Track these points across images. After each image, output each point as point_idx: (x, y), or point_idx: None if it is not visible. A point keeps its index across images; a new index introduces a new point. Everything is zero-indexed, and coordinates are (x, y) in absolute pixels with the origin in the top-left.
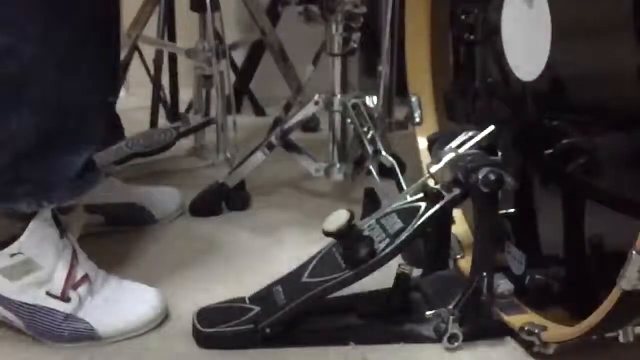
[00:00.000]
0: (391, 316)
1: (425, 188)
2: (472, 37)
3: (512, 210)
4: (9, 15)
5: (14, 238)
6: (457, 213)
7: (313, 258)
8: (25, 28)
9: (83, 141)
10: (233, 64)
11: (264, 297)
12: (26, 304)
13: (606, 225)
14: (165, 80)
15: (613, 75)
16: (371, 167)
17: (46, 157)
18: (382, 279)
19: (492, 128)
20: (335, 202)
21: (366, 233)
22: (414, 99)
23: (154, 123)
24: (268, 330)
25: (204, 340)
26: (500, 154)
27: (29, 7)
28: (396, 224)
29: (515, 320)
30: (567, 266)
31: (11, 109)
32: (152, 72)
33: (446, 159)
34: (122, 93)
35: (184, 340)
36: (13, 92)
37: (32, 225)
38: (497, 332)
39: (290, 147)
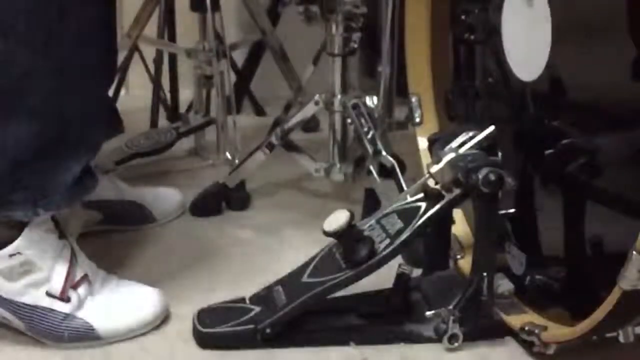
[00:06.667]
0: (391, 316)
1: (425, 188)
2: (472, 37)
3: (512, 210)
4: (7, 24)
5: (13, 238)
6: (457, 213)
7: (313, 258)
8: (23, 36)
9: (82, 147)
10: (233, 64)
11: (264, 297)
12: (26, 304)
13: (606, 225)
14: (165, 80)
15: (613, 75)
16: (371, 167)
17: (45, 164)
18: (382, 279)
19: (492, 128)
20: (335, 202)
21: (366, 233)
22: (414, 99)
23: (154, 123)
24: (268, 330)
25: (204, 340)
26: (500, 154)
27: (28, 15)
28: (396, 224)
29: (515, 320)
30: (567, 266)
31: (9, 116)
32: (152, 72)
33: (446, 159)
34: (122, 93)
35: (184, 340)
36: (11, 99)
37: (31, 225)
38: (497, 332)
39: (290, 147)
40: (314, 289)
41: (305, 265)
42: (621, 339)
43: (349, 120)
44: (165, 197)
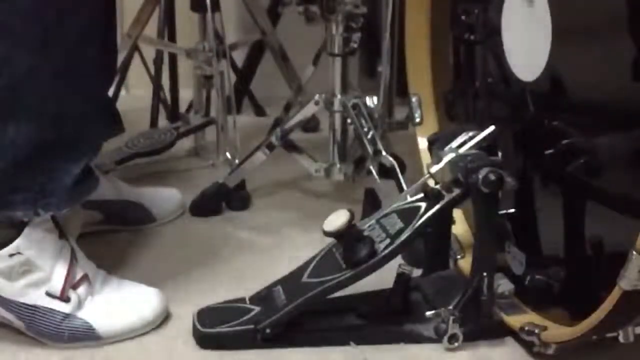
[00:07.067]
0: (391, 316)
1: (425, 188)
2: (472, 37)
3: (512, 210)
4: (5, 25)
5: (13, 238)
6: (457, 213)
7: (313, 258)
8: (22, 38)
9: (81, 148)
10: (233, 64)
11: (264, 297)
12: (26, 304)
13: (606, 225)
14: (165, 80)
15: (613, 75)
16: (371, 167)
17: (44, 165)
18: (382, 279)
19: (492, 128)
20: (335, 202)
21: (366, 233)
22: (414, 99)
23: (154, 123)
24: (268, 330)
25: (204, 340)
26: (500, 154)
27: (26, 17)
28: (396, 224)
29: (515, 320)
30: (567, 266)
31: (9, 117)
32: (152, 72)
33: (446, 159)
34: (122, 93)
35: (184, 340)
36: (10, 101)
37: (31, 225)
38: (497, 332)
39: (290, 147)
40: (314, 289)
41: (305, 265)
42: (621, 339)
43: (349, 120)
44: (165, 197)
